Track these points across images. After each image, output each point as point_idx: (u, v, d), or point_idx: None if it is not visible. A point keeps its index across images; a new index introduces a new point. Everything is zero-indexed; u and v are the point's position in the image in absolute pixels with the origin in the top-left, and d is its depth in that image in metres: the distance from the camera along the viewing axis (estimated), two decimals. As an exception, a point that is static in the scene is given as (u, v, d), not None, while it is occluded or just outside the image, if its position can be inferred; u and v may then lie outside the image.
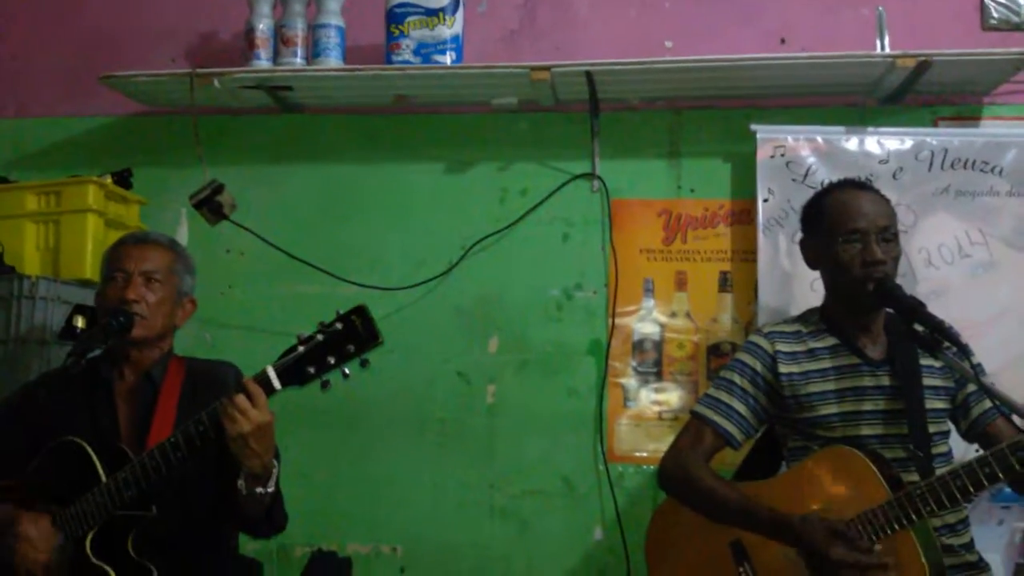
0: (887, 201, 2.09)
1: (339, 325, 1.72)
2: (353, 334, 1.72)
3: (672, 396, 2.93)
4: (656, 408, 2.93)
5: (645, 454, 2.91)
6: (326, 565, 2.84)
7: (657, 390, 2.94)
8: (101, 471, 1.90)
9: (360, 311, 1.73)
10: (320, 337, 1.73)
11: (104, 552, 1.88)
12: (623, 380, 2.95)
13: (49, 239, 2.88)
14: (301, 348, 1.74)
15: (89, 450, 1.93)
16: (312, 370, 1.74)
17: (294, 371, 1.75)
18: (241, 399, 1.76)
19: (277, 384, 1.76)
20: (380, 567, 2.97)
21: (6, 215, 2.91)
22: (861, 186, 2.12)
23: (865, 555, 1.74)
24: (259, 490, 1.84)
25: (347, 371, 1.75)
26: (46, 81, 3.35)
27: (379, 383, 3.00)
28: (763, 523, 1.89)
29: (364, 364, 1.74)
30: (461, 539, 2.95)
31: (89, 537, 1.89)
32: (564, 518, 2.92)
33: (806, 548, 1.80)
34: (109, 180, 2.96)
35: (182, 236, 3.13)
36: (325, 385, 1.76)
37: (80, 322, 2.74)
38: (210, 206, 2.82)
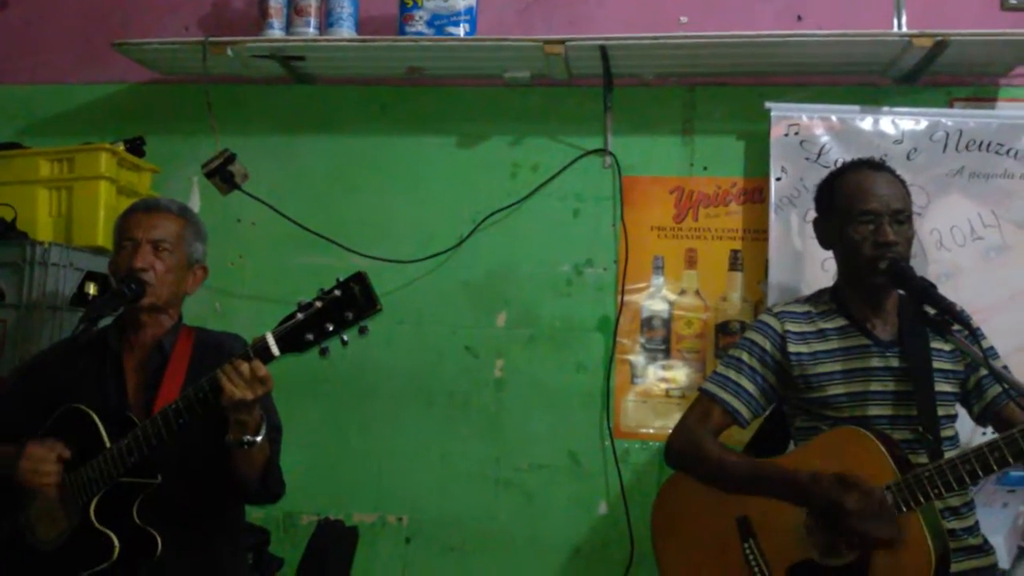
0: (902, 182, 2.07)
1: (338, 292, 1.72)
2: (352, 301, 1.71)
3: (680, 374, 2.93)
4: (663, 385, 2.94)
5: (651, 431, 2.92)
6: (332, 534, 2.86)
7: (665, 367, 2.94)
8: (106, 437, 1.92)
9: (359, 278, 1.72)
10: (319, 304, 1.73)
11: (108, 518, 1.89)
12: (631, 357, 2.96)
13: (62, 206, 2.89)
14: (300, 315, 1.74)
15: (94, 417, 1.94)
16: (311, 337, 1.73)
17: (293, 338, 1.75)
18: (246, 367, 1.77)
19: (276, 351, 1.77)
20: (386, 536, 3.00)
21: (19, 180, 2.91)
22: (876, 166, 2.09)
23: (880, 503, 1.75)
24: (247, 438, 1.85)
25: (345, 338, 1.75)
26: (59, 47, 3.35)
27: (388, 355, 3.02)
28: (773, 484, 1.90)
29: (363, 331, 1.74)
30: (466, 511, 2.97)
31: (93, 503, 1.90)
32: (569, 492, 2.94)
33: (818, 503, 1.81)
34: (121, 147, 2.96)
35: (194, 205, 3.13)
36: (324, 352, 1.76)
37: (92, 289, 2.76)
38: (222, 175, 2.82)
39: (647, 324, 2.96)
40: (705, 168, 2.99)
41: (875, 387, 1.98)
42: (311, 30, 2.91)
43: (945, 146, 2.74)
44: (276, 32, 2.91)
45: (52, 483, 1.91)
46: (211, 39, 2.88)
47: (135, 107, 3.26)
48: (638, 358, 2.96)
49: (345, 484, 3.03)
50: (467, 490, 2.98)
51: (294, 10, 2.92)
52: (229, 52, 2.87)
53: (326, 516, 2.98)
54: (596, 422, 2.95)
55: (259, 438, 1.86)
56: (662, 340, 2.95)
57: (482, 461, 2.99)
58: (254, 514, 2.92)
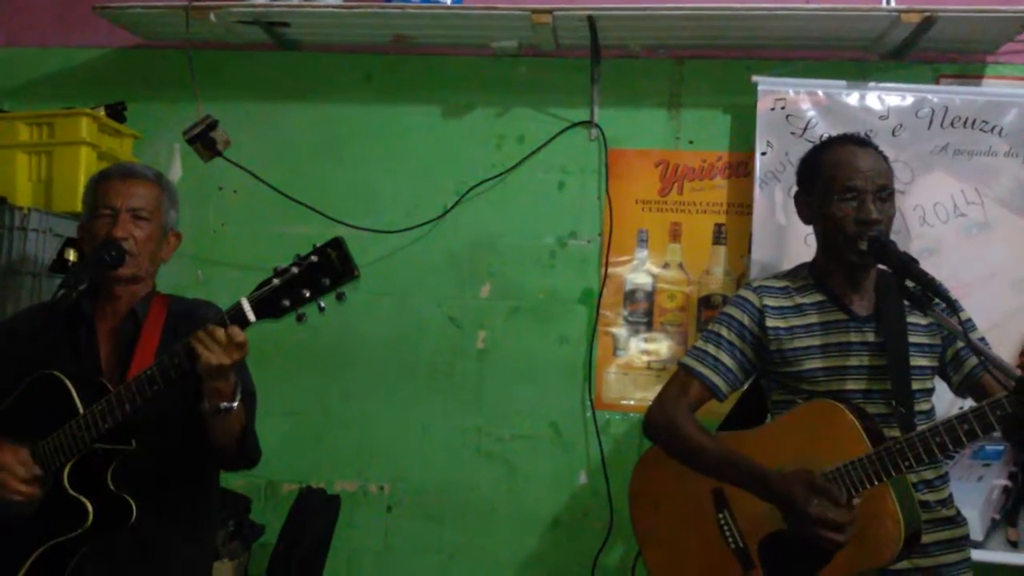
0: (885, 158, 2.06)
1: (315, 258, 1.70)
2: (329, 267, 1.70)
3: (661, 346, 2.95)
4: (645, 358, 2.95)
5: (632, 402, 2.93)
6: (314, 502, 2.87)
7: (647, 340, 2.95)
8: (78, 403, 1.90)
9: (336, 244, 1.71)
10: (295, 270, 1.71)
11: (82, 485, 1.88)
12: (613, 329, 2.96)
13: (41, 171, 2.86)
14: (276, 280, 1.72)
15: (67, 382, 1.93)
16: (287, 303, 1.72)
17: (269, 303, 1.73)
18: (221, 333, 1.75)
19: (252, 316, 1.75)
20: (367, 505, 3.01)
21: (-2, 145, 2.89)
22: (860, 142, 2.08)
23: (845, 512, 1.76)
24: (224, 404, 1.83)
25: (323, 304, 1.74)
26: (40, 10, 3.30)
27: (371, 325, 3.01)
28: (743, 476, 1.92)
29: (340, 298, 1.73)
30: (448, 480, 2.99)
31: (67, 469, 1.89)
32: (550, 462, 2.96)
33: (784, 503, 1.83)
34: (102, 113, 2.93)
35: (175, 172, 3.11)
36: (301, 318, 1.74)
37: (71, 255, 2.74)
38: (204, 142, 2.80)
39: (630, 297, 2.97)
40: (691, 142, 2.98)
41: (852, 362, 1.99)
42: (296, -5, 2.88)
43: (930, 123, 2.74)
44: (260, -3, 2.88)
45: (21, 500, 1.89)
46: (194, 3, 2.84)
47: (117, 72, 3.23)
48: (621, 331, 2.97)
49: (327, 452, 3.04)
50: (448, 460, 3.00)
51: (279, -25, 2.88)
52: (212, 17, 2.84)
53: (308, 484, 2.98)
54: (578, 393, 2.96)
55: (235, 404, 1.85)
56: (645, 313, 2.96)
57: (464, 431, 3.00)
58: (236, 482, 2.93)
